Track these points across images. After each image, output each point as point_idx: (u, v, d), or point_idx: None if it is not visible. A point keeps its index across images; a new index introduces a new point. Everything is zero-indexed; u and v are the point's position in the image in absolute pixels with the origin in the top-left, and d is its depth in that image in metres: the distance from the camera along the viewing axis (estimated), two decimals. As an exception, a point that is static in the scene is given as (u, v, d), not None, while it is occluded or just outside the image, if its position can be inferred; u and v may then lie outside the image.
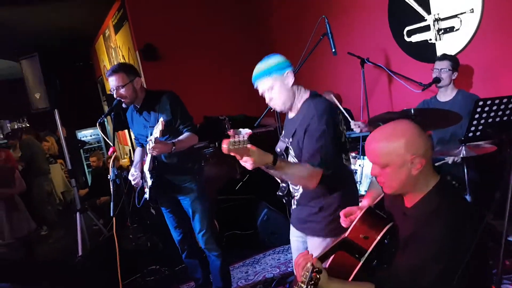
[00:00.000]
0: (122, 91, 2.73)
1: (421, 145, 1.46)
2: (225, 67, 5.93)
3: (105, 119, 2.91)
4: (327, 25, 3.41)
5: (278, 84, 1.97)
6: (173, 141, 2.69)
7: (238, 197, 4.62)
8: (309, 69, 5.18)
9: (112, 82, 2.73)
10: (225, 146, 1.67)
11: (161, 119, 2.49)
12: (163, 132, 2.75)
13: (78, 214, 4.48)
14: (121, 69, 2.75)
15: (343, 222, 1.77)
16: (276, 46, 5.94)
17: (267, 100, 2.03)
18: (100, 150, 10.46)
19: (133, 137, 3.89)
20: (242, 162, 1.74)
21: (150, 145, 2.54)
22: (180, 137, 2.76)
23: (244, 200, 4.53)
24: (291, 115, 2.08)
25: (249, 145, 1.69)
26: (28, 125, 9.60)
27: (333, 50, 3.33)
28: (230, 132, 1.71)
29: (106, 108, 8.80)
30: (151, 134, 2.62)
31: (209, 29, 5.92)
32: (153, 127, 2.60)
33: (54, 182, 7.09)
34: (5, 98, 9.93)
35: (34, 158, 6.15)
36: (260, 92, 2.01)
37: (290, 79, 1.98)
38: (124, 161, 6.87)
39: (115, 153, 2.62)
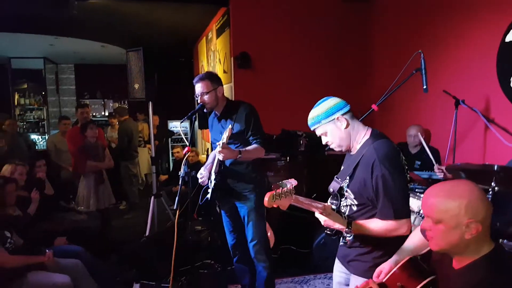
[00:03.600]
0: (205, 97, 2.94)
1: (481, 210, 1.39)
2: (313, 85, 5.97)
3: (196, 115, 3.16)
4: (422, 60, 3.34)
5: (330, 129, 1.96)
6: (241, 149, 2.83)
7: (300, 214, 4.63)
8: (400, 100, 5.07)
9: (198, 88, 2.96)
10: (266, 199, 1.66)
11: (229, 126, 2.65)
12: (234, 140, 2.91)
13: (152, 198, 4.86)
14: (207, 77, 2.97)
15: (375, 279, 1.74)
16: (371, 72, 5.87)
17: (323, 143, 2.04)
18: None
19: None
20: (317, 215, 1.82)
21: (217, 149, 2.71)
22: (248, 147, 2.90)
23: (306, 218, 4.53)
24: (352, 151, 2.02)
25: (294, 197, 1.71)
26: (127, 107, 10.46)
27: (424, 87, 3.25)
28: (273, 185, 1.72)
29: (196, 105, 9.26)
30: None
31: (303, 46, 6.02)
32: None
33: (140, 163, 7.71)
34: (113, 80, 11.03)
35: (131, 138, 6.75)
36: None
37: (343, 123, 1.94)
38: (203, 157, 7.23)
39: (189, 153, 2.83)
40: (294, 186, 1.75)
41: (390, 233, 1.81)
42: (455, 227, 1.40)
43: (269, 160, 4.81)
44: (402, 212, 1.80)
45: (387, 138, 1.92)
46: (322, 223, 1.83)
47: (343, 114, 1.94)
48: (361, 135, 1.96)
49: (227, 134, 2.67)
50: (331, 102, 1.97)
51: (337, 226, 1.86)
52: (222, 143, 2.68)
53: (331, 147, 2.01)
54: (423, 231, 1.61)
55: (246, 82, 5.90)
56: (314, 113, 1.98)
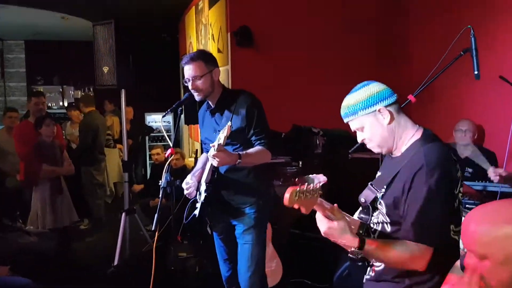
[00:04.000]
0: (198, 82, 2.97)
1: None
2: (330, 71, 5.96)
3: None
4: (472, 38, 3.31)
5: (369, 123, 1.95)
6: (240, 153, 2.85)
7: (316, 236, 4.60)
8: (444, 89, 5.04)
9: (188, 72, 2.98)
10: (287, 195, 1.68)
11: (228, 124, 2.67)
12: (232, 141, 2.91)
13: (123, 215, 4.84)
14: (200, 57, 2.99)
15: None
16: (407, 54, 5.85)
17: (358, 141, 2.02)
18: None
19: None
20: (318, 220, 1.82)
21: (211, 152, 2.71)
22: (250, 150, 2.91)
23: (324, 242, 4.49)
24: (394, 153, 2.00)
25: (319, 200, 1.72)
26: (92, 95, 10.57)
27: (476, 73, 3.23)
28: (297, 179, 1.74)
29: (182, 94, 9.33)
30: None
31: (322, 20, 6.01)
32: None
33: (108, 169, 7.71)
34: (75, 62, 10.96)
35: (96, 136, 6.76)
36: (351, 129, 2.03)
37: (386, 117, 1.92)
38: (190, 160, 7.23)
39: (173, 156, 2.82)
40: (323, 185, 1.75)
41: (416, 261, 1.80)
42: (504, 263, 1.36)
43: (277, 165, 4.82)
44: (438, 237, 1.80)
45: (442, 142, 1.91)
46: (322, 231, 1.80)
47: (386, 106, 1.93)
48: (409, 135, 1.95)
49: (225, 133, 2.67)
50: (372, 88, 1.95)
51: (342, 241, 1.82)
52: (218, 144, 2.68)
53: (368, 146, 2.00)
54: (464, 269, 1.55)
55: (246, 64, 5.90)
56: (350, 100, 1.97)
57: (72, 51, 11.12)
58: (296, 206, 1.72)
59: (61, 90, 12.15)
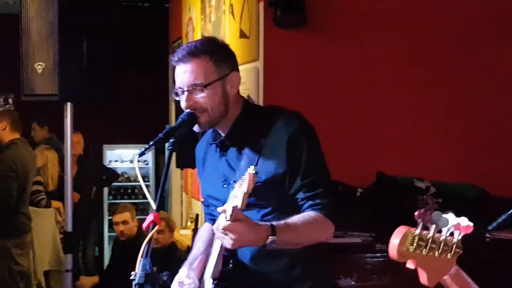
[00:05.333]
0: (199, 97, 2.95)
1: None
2: (454, 75, 6.00)
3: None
4: None
5: None
6: (275, 223, 2.81)
7: None
8: None
9: (182, 76, 2.98)
10: (396, 241, 1.75)
11: (251, 169, 2.63)
12: (259, 200, 2.90)
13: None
14: (206, 50, 2.99)
15: None
16: None
17: None
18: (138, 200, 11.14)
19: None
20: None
21: (221, 223, 2.69)
22: (294, 219, 2.88)
23: None
24: None
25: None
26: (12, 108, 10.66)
27: None
28: (418, 213, 1.75)
29: (173, 111, 9.40)
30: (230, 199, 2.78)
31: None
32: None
33: (38, 245, 7.74)
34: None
35: (20, 185, 6.82)
36: None
37: None
38: (183, 235, 7.22)
39: (157, 227, 2.81)
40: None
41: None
42: None
43: (346, 248, 4.84)
44: None
45: None
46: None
47: None
48: None
49: (245, 187, 2.65)
50: None
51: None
52: (233, 208, 2.67)
53: None
54: None
55: (291, 59, 5.97)
56: None
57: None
58: (410, 264, 1.78)
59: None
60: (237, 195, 2.69)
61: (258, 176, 2.71)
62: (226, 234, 2.68)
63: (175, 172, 9.41)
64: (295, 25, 5.85)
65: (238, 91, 3.08)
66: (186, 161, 5.44)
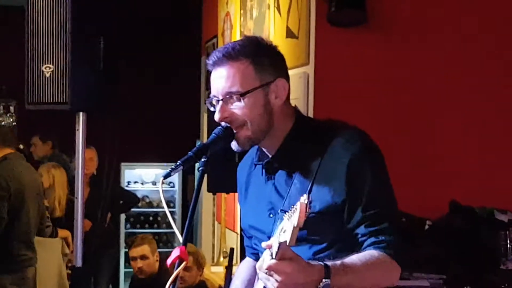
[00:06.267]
0: (235, 107, 2.95)
1: None
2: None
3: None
4: None
5: None
6: (330, 263, 2.79)
7: None
8: None
9: (215, 83, 2.98)
10: None
11: (303, 198, 2.59)
12: (312, 234, 2.89)
13: None
14: (244, 51, 2.97)
15: None
16: None
17: None
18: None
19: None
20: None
21: (265, 262, 2.68)
22: (353, 259, 2.84)
23: None
24: None
25: None
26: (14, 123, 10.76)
27: None
28: None
29: (205, 124, 9.37)
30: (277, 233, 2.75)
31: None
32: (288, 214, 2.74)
33: (40, 282, 7.77)
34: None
35: (18, 211, 6.88)
36: None
37: None
38: (216, 271, 7.24)
39: (184, 263, 2.82)
40: None
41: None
42: None
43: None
44: None
45: None
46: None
47: None
48: None
49: (295, 219, 2.62)
50: None
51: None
52: (281, 244, 2.65)
53: None
54: None
55: (349, 64, 5.96)
56: None
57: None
58: None
59: None
60: (285, 229, 2.61)
61: (312, 206, 2.68)
62: (271, 275, 2.65)
63: (206, 197, 9.45)
64: (352, 24, 5.84)
65: (287, 101, 3.06)
66: (220, 185, 5.41)
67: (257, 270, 2.80)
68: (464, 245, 5.07)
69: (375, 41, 5.94)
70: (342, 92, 5.84)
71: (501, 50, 5.98)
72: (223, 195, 8.09)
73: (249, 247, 3.36)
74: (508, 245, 5.02)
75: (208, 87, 10.23)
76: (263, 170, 3.14)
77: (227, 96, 2.93)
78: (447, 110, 5.90)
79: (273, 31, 7.00)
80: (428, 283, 4.88)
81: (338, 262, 2.77)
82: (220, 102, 2.94)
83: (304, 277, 2.68)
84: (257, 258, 3.16)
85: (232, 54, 2.95)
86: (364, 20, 5.76)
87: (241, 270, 3.37)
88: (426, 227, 5.16)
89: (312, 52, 6.02)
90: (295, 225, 2.53)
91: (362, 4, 5.66)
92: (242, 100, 2.92)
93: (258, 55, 2.98)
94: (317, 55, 5.99)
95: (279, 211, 2.92)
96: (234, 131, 2.98)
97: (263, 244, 2.72)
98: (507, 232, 5.03)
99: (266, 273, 2.67)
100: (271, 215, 3.03)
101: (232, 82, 2.92)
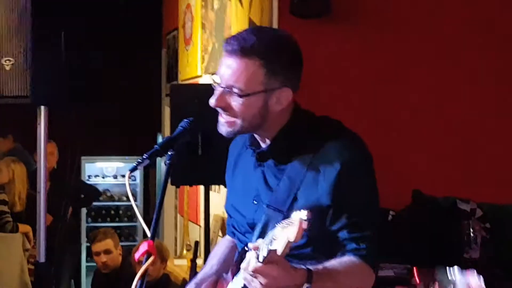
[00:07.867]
0: (233, 101, 2.92)
1: None
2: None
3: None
4: None
5: None
6: (312, 268, 2.76)
7: None
8: None
9: (223, 69, 2.92)
10: None
11: (303, 213, 2.53)
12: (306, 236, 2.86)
13: None
14: (261, 51, 2.90)
15: None
16: None
17: None
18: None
19: (221, 203, 4.06)
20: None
21: (251, 263, 2.64)
22: (335, 265, 2.83)
23: None
24: None
25: None
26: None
27: None
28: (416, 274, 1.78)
29: (167, 116, 9.32)
30: (264, 236, 2.74)
31: None
32: (281, 211, 2.80)
33: (0, 278, 7.74)
34: None
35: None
36: None
37: None
38: (179, 264, 7.24)
39: (151, 258, 2.81)
40: None
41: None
42: None
43: (377, 282, 4.78)
44: None
45: None
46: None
47: None
48: None
49: (290, 235, 2.55)
50: None
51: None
52: (270, 252, 2.62)
53: None
54: None
55: (312, 56, 5.93)
56: None
57: None
58: None
59: None
60: (277, 237, 2.56)
61: (297, 204, 2.74)
62: (255, 277, 2.66)
63: (168, 191, 9.34)
64: (316, 15, 5.83)
65: (290, 104, 3.04)
66: (184, 178, 5.40)
67: (242, 272, 2.77)
68: (427, 235, 5.12)
69: (339, 32, 5.95)
70: (306, 84, 5.82)
71: (468, 35, 6.01)
72: (186, 188, 8.08)
73: (229, 226, 3.33)
74: (471, 234, 5.06)
75: (169, 80, 10.29)
76: (254, 156, 3.13)
77: (228, 89, 2.94)
78: (410, 100, 5.96)
79: (235, 23, 6.97)
80: (393, 272, 4.95)
81: (320, 267, 2.78)
82: (220, 89, 2.94)
83: (288, 281, 2.68)
84: (235, 237, 3.25)
85: (248, 50, 2.90)
86: (328, 11, 5.76)
87: (219, 248, 3.37)
88: (390, 217, 5.22)
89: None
90: (290, 240, 2.48)
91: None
92: (241, 97, 2.91)
93: (273, 60, 2.92)
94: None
95: (264, 204, 2.95)
96: (223, 120, 2.99)
97: (250, 245, 2.71)
98: (470, 222, 5.08)
99: (251, 275, 2.67)
100: (255, 202, 3.03)
101: (238, 78, 2.89)
